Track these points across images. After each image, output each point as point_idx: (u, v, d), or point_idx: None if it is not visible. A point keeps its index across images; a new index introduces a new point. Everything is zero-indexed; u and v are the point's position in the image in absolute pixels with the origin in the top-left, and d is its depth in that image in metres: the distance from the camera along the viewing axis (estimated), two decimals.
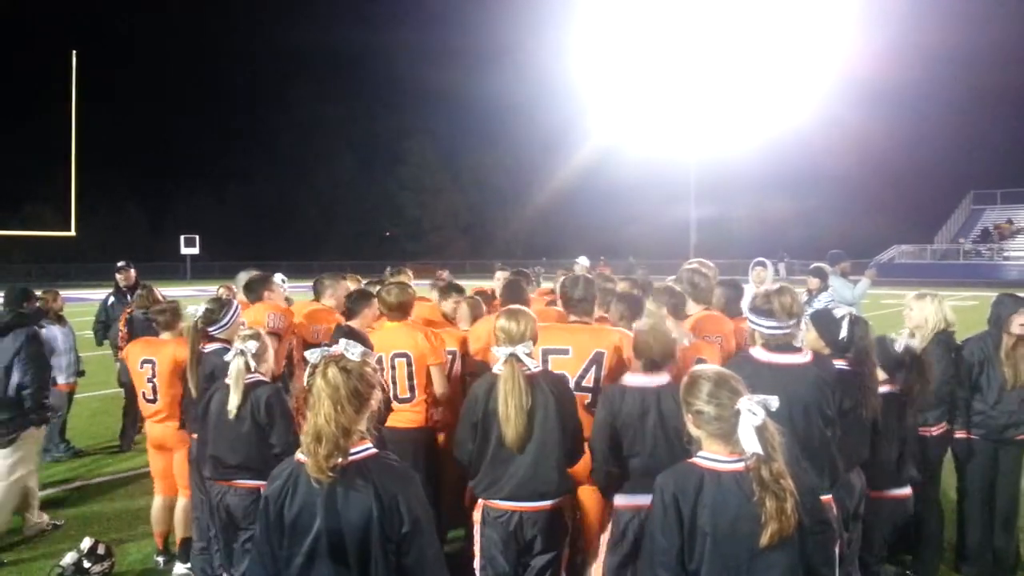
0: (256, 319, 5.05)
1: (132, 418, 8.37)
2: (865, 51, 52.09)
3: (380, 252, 63.38)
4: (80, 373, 8.20)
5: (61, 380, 7.91)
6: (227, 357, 3.83)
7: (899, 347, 4.01)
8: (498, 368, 3.38)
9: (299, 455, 2.36)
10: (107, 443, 8.43)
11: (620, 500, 3.48)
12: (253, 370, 3.83)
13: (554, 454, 3.36)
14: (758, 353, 3.49)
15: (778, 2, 44.79)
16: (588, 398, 3.86)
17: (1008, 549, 4.86)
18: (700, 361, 4.07)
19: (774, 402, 2.26)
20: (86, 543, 5.01)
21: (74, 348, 8.07)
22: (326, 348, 2.39)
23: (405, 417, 4.41)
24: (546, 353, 3.92)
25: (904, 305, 5.03)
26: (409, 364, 4.42)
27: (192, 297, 29.83)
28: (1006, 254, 45.95)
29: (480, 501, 3.49)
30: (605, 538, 3.57)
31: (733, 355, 4.44)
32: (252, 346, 3.80)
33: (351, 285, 6.18)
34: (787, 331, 3.53)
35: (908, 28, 55.98)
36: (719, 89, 43.71)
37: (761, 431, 2.21)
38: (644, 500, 3.35)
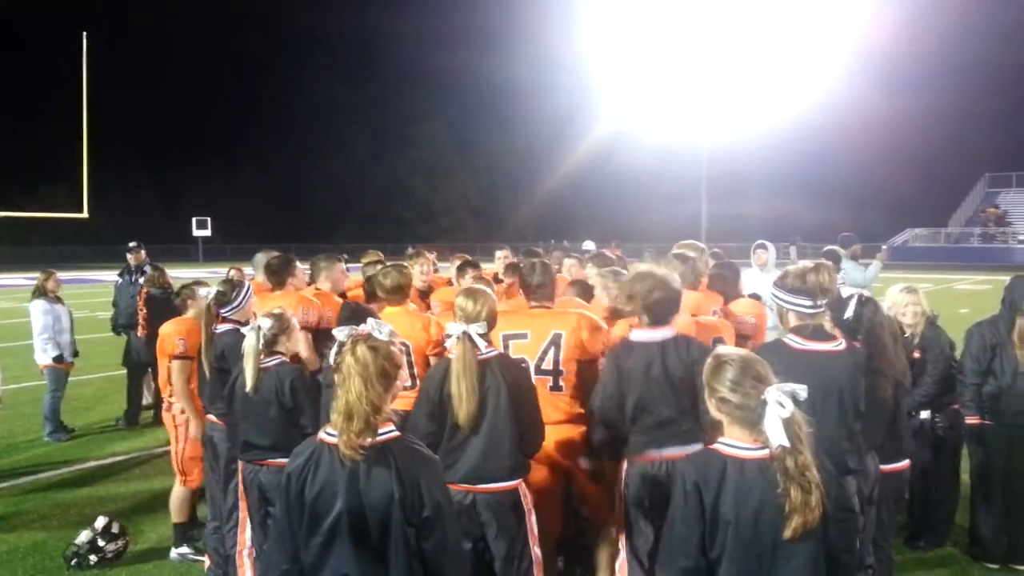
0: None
1: (138, 398, 8.44)
2: (877, 34, 51.53)
3: (392, 235, 63.40)
4: (75, 354, 8.26)
5: (67, 358, 7.99)
6: (244, 330, 3.83)
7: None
8: (451, 344, 3.38)
9: (322, 434, 2.37)
10: (113, 423, 8.48)
11: (630, 463, 3.50)
12: (273, 350, 3.84)
13: (506, 439, 3.36)
14: (793, 341, 3.39)
15: None
16: (550, 381, 3.87)
17: (1020, 535, 4.81)
18: (719, 341, 4.05)
19: (802, 391, 2.20)
20: (100, 522, 5.03)
21: (72, 329, 8.16)
22: (353, 327, 2.39)
23: (406, 401, 4.36)
24: (506, 339, 3.91)
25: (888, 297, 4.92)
26: (408, 353, 4.32)
27: (204, 279, 29.90)
28: (1021, 237, 45.53)
29: None
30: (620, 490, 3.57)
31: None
32: (267, 323, 3.80)
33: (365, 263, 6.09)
34: (821, 310, 3.43)
35: (920, 10, 55.22)
36: (731, 72, 43.26)
37: (788, 423, 2.16)
38: (654, 454, 3.41)
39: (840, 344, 3.39)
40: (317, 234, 62.59)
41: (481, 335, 3.33)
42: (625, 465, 3.53)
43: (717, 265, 5.38)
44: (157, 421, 8.36)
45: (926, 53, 56.46)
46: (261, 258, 5.73)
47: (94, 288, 26.73)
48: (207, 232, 50.85)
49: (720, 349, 2.50)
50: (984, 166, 52.92)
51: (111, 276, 14.17)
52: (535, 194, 69.91)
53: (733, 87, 43.69)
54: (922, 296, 4.92)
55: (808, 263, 3.61)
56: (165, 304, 7.91)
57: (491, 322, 3.47)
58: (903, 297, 4.87)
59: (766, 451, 2.22)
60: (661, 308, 3.50)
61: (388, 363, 2.34)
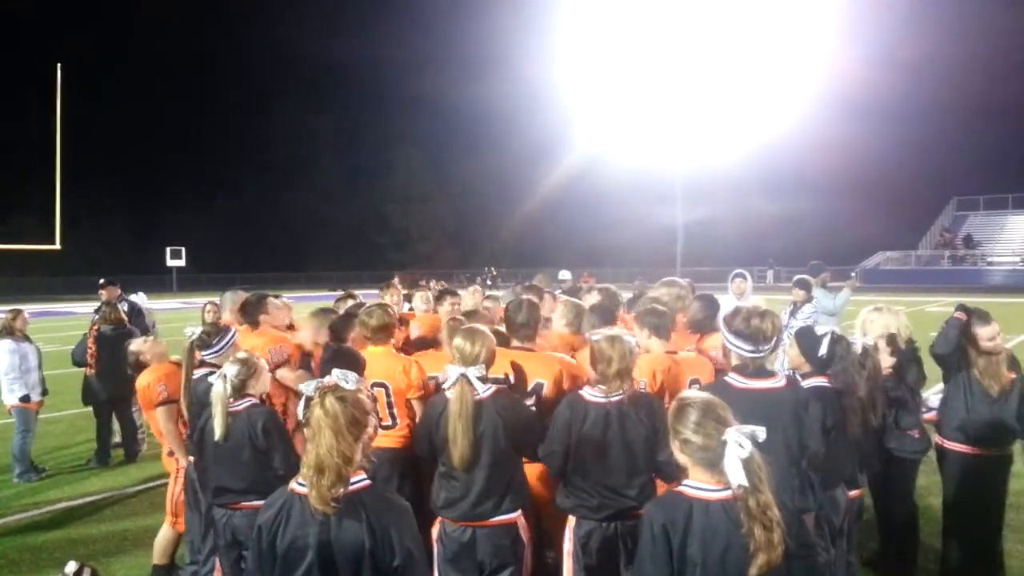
0: (259, 346, 4.94)
1: (107, 436, 8.33)
2: (848, 60, 52.63)
3: (368, 262, 63.28)
4: (44, 392, 8.14)
5: (34, 397, 7.89)
6: (211, 379, 3.81)
7: (857, 348, 4.04)
8: (448, 387, 3.40)
9: (294, 485, 2.38)
10: (82, 462, 8.33)
11: (578, 522, 3.48)
12: (243, 394, 3.82)
13: (507, 475, 3.39)
14: (734, 380, 3.41)
15: (763, 12, 45.22)
16: None
17: (991, 562, 4.86)
18: (695, 381, 4.10)
19: (761, 433, 2.27)
20: (71, 567, 4.90)
21: (40, 367, 8.05)
22: (320, 380, 2.42)
23: (387, 440, 4.36)
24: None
25: (863, 319, 5.00)
26: (388, 394, 4.35)
27: (178, 310, 29.71)
28: (990, 259, 46.40)
29: (438, 517, 3.54)
30: (567, 548, 3.54)
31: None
32: (233, 370, 3.77)
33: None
34: (763, 355, 3.44)
35: (891, 37, 56.69)
36: (705, 97, 44.03)
37: (748, 463, 2.22)
38: (599, 520, 3.39)
39: (780, 381, 3.40)
40: (292, 263, 62.39)
41: (479, 377, 3.36)
42: (572, 523, 3.50)
43: (697, 298, 5.37)
44: (129, 459, 8.30)
45: (896, 80, 57.71)
46: (230, 296, 5.75)
47: (65, 321, 26.37)
48: (181, 262, 50.48)
49: (684, 393, 2.57)
50: (952, 189, 54.06)
51: (82, 308, 14.08)
52: (512, 218, 70.19)
53: (708, 112, 44.41)
54: (886, 315, 4.96)
55: (758, 307, 3.59)
56: (117, 342, 7.88)
57: (489, 363, 3.52)
58: (869, 315, 4.97)
59: (729, 492, 2.27)
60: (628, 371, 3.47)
61: (358, 411, 2.36)
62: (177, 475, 4.97)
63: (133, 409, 8.18)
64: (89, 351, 8.24)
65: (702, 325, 5.05)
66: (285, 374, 5.03)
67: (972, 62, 57.16)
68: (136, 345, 5.13)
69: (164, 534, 5.07)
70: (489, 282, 38.15)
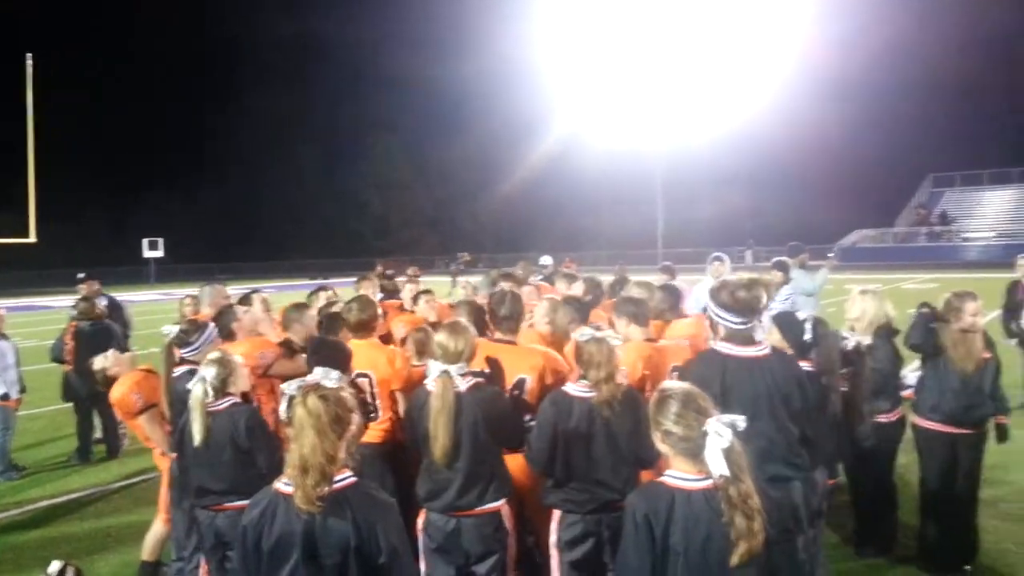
0: (246, 353, 4.66)
1: (88, 432, 8.26)
2: (823, 40, 52.75)
3: (348, 250, 62.96)
4: (22, 390, 8.05)
5: (13, 395, 7.81)
6: (188, 384, 3.76)
7: (850, 344, 4.12)
8: (430, 383, 3.45)
9: (279, 485, 2.38)
10: (63, 459, 8.27)
11: (563, 517, 3.52)
12: (224, 393, 3.78)
13: (487, 467, 3.44)
14: (723, 347, 3.46)
15: None
16: None
17: (966, 538, 4.96)
18: (676, 369, 4.13)
19: (741, 421, 2.30)
20: (54, 567, 4.89)
21: (18, 364, 7.96)
22: (302, 380, 2.41)
23: (370, 433, 4.37)
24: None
25: (848, 298, 5.15)
26: (372, 384, 4.38)
27: (157, 301, 29.43)
28: (965, 235, 46.96)
29: (423, 509, 3.58)
30: (553, 541, 3.58)
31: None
32: (211, 372, 3.72)
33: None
34: (750, 327, 3.49)
35: (865, 18, 56.91)
36: (682, 77, 44.07)
37: (728, 452, 2.25)
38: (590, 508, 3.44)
39: (765, 349, 3.45)
40: (272, 251, 61.94)
41: (461, 375, 3.42)
42: (557, 516, 3.54)
43: (659, 288, 5.47)
44: (111, 455, 8.24)
45: (871, 58, 58.03)
46: (209, 290, 5.70)
47: (43, 315, 26.10)
48: (159, 253, 50.02)
49: (665, 384, 2.59)
50: (928, 167, 54.55)
51: (59, 302, 13.90)
52: (492, 204, 70.11)
53: (684, 94, 44.46)
54: (869, 300, 5.05)
55: (744, 278, 3.61)
56: (95, 338, 7.82)
57: (471, 359, 3.56)
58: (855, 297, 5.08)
59: (710, 481, 2.30)
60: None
61: (340, 409, 2.36)
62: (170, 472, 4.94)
63: None
64: (67, 347, 8.16)
65: (664, 314, 5.14)
66: (284, 364, 4.93)
67: (945, 41, 57.54)
68: (99, 363, 5.00)
69: (156, 530, 5.03)
70: (462, 267, 38.17)
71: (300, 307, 5.26)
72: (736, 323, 3.42)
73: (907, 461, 5.65)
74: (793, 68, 51.30)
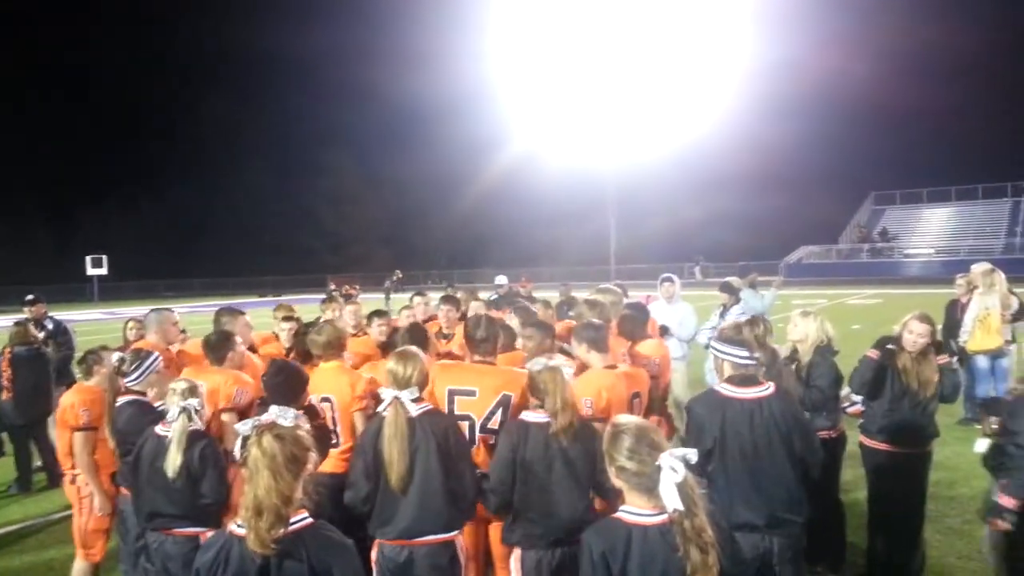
0: (224, 392, 4.60)
1: (26, 461, 7.97)
2: (768, 61, 54.25)
3: (300, 266, 62.25)
4: None
5: None
6: (169, 417, 3.70)
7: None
8: (383, 409, 3.46)
9: (233, 527, 2.33)
10: (3, 489, 7.92)
11: (524, 552, 3.51)
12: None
13: (439, 494, 3.42)
14: (726, 389, 3.55)
15: (684, 19, 46.36)
16: (492, 439, 3.87)
17: (913, 556, 5.03)
18: (636, 396, 4.20)
19: (693, 455, 2.33)
20: None
21: None
22: (257, 419, 2.38)
23: (331, 463, 4.32)
24: (452, 394, 3.97)
25: (790, 320, 5.25)
26: (333, 409, 4.37)
27: (100, 321, 28.62)
28: (906, 251, 48.40)
29: (376, 540, 3.55)
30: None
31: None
32: (195, 403, 3.73)
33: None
34: (755, 361, 3.61)
35: (809, 38, 58.65)
36: (632, 99, 44.84)
37: (682, 487, 2.27)
38: (545, 548, 3.43)
39: (769, 389, 3.56)
40: (222, 267, 60.80)
41: (412, 400, 3.42)
42: (518, 554, 3.53)
43: (627, 306, 5.56)
44: (53, 484, 7.96)
45: (813, 78, 59.70)
46: (155, 317, 5.59)
47: None
48: (103, 271, 48.76)
49: (617, 419, 2.60)
50: (870, 185, 56.21)
51: (1, 321, 13.37)
52: (446, 219, 70.10)
53: (635, 113, 45.22)
54: (811, 321, 5.15)
55: (744, 318, 3.85)
56: (31, 362, 7.60)
57: (422, 384, 3.56)
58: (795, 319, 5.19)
59: (665, 516, 2.32)
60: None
61: (297, 448, 2.34)
62: (81, 504, 4.83)
63: (50, 430, 7.84)
64: (4, 373, 7.86)
65: (633, 332, 5.21)
66: (229, 419, 4.64)
67: (887, 62, 59.61)
68: (115, 356, 4.79)
69: (78, 567, 4.89)
70: (396, 284, 38.53)
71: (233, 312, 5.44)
72: (742, 357, 3.55)
73: (853, 478, 5.77)
74: (740, 88, 52.65)
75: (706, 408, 3.52)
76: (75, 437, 4.72)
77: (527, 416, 3.54)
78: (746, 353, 3.55)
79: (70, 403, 4.78)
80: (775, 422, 3.45)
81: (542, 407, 3.47)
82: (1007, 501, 3.90)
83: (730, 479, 3.45)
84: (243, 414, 4.50)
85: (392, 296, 33.17)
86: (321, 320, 6.23)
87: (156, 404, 4.18)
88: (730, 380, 3.58)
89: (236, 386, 4.58)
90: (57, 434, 4.99)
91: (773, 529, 3.41)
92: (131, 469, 3.92)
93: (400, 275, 41.90)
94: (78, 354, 9.43)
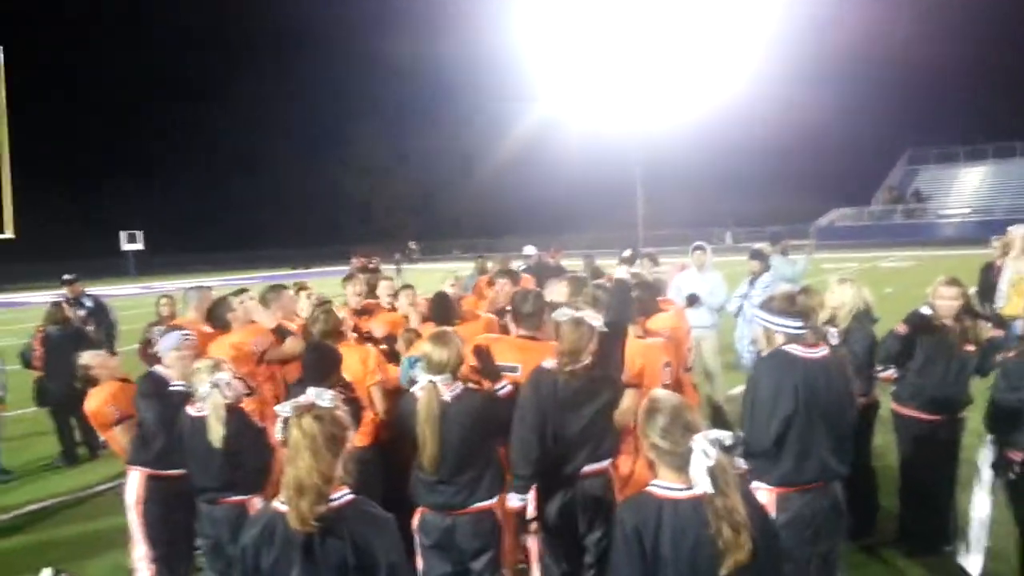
0: (241, 341, 4.86)
1: (69, 435, 8.17)
2: (796, 23, 52.86)
3: (329, 238, 62.61)
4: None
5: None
6: (201, 391, 3.82)
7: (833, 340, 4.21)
8: (417, 391, 3.56)
9: (277, 504, 2.40)
10: (47, 463, 8.19)
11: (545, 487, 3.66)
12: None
13: (480, 466, 3.55)
14: (795, 349, 3.58)
15: None
16: None
17: (946, 522, 5.03)
18: (667, 364, 4.27)
19: (728, 438, 2.34)
20: (46, 574, 4.90)
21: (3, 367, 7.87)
22: (296, 400, 2.43)
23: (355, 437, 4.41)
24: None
25: (829, 286, 5.24)
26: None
27: (139, 295, 29.02)
28: (941, 212, 47.44)
29: (418, 508, 3.67)
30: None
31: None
32: (224, 378, 3.84)
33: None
34: (806, 331, 3.63)
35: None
36: (659, 64, 44.09)
37: (713, 470, 2.28)
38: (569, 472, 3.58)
39: (824, 350, 3.64)
40: (253, 242, 61.39)
41: (445, 384, 3.51)
42: (534, 490, 3.67)
43: (635, 287, 5.52)
44: (92, 455, 8.19)
45: (846, 38, 58.16)
46: (194, 294, 5.68)
47: (22, 312, 25.79)
48: (138, 246, 49.44)
49: (655, 394, 2.61)
50: (906, 142, 54.93)
51: (39, 298, 13.66)
52: (473, 189, 69.89)
53: (662, 78, 44.47)
54: (847, 288, 5.13)
55: (795, 287, 3.86)
56: (65, 343, 7.72)
57: (456, 369, 3.62)
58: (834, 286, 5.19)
59: (697, 490, 2.34)
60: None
61: (336, 428, 2.39)
62: None
63: None
64: (36, 353, 8.03)
65: (646, 307, 5.19)
66: (280, 350, 4.99)
67: (921, 18, 57.89)
68: (86, 359, 4.92)
69: None
70: (409, 254, 38.54)
71: (277, 288, 5.38)
72: (795, 327, 3.58)
73: (884, 443, 5.74)
74: (769, 50, 51.43)
75: (783, 371, 3.52)
76: (115, 432, 4.72)
77: (547, 364, 3.68)
78: (800, 323, 3.58)
79: (95, 407, 4.74)
80: (841, 379, 3.56)
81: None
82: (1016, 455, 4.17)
83: (803, 437, 3.48)
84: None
85: (403, 267, 33.20)
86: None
87: (177, 382, 4.36)
88: (795, 340, 3.59)
89: (254, 336, 4.87)
90: (105, 437, 5.04)
91: (831, 482, 3.56)
92: (178, 446, 4.08)
93: (414, 246, 41.70)
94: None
